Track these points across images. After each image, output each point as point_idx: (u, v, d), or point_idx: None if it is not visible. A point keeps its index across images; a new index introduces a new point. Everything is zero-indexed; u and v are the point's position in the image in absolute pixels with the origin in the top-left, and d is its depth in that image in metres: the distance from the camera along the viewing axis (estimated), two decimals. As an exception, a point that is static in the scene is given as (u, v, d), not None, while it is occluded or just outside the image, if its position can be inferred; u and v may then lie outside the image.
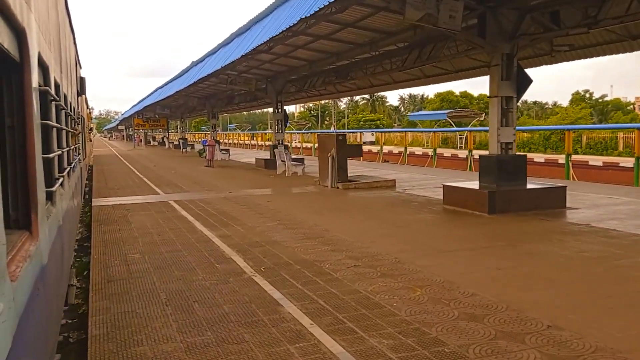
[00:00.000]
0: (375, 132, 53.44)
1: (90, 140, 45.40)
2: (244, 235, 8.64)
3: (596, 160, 27.71)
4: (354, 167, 21.39)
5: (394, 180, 15.61)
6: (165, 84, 35.07)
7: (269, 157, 24.69)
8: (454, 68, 18.27)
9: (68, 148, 6.54)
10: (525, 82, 10.75)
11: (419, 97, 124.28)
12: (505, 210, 10.07)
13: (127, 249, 7.94)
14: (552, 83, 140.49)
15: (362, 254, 7.11)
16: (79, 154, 10.77)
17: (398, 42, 14.40)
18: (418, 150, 42.20)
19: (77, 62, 13.07)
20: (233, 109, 41.32)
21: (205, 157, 25.78)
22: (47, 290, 3.02)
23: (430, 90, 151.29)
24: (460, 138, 40.50)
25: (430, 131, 42.59)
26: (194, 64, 24.19)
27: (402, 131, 48.31)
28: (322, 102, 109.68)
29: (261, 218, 10.42)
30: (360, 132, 55.10)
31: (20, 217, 2.67)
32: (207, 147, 25.40)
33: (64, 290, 5.27)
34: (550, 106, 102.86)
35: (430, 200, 12.35)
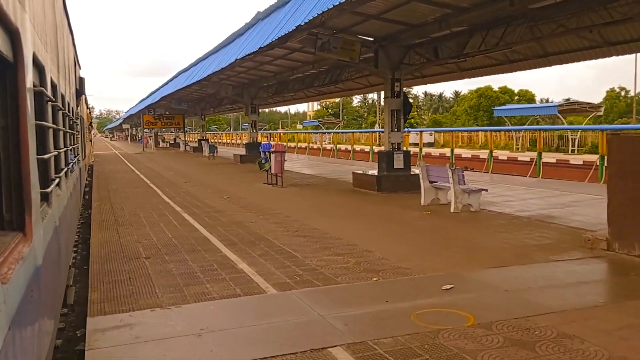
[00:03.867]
0: (434, 131, 44.13)
1: (91, 141, 38.00)
2: None
3: None
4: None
5: None
6: (196, 63, 25.69)
7: (373, 171, 15.38)
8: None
9: (65, 148, 6.29)
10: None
11: (437, 95, 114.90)
12: None
13: None
14: (553, 82, 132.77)
15: None
16: (78, 154, 10.35)
17: None
18: (503, 155, 32.96)
19: (76, 62, 12.34)
20: (282, 100, 31.94)
21: (269, 170, 16.45)
22: (42, 292, 2.92)
23: (448, 89, 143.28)
24: (573, 139, 31.16)
25: (522, 129, 33.28)
26: (259, 17, 14.84)
27: (471, 130, 39.13)
28: (336, 100, 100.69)
29: None
30: (420, 132, 45.73)
31: (14, 218, 2.57)
32: (271, 155, 16.06)
33: (61, 291, 5.06)
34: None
35: None
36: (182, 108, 42.20)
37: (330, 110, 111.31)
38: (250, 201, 13.13)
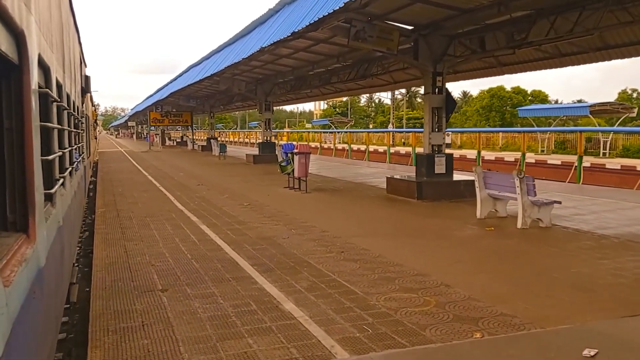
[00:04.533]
0: (452, 132, 42.32)
1: (96, 138, 37.28)
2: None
3: None
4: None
5: None
6: (209, 56, 24.06)
7: (409, 175, 13.73)
8: None
9: (70, 148, 6.25)
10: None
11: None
12: None
13: None
14: (560, 83, 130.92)
15: None
16: (83, 152, 10.42)
17: None
18: (529, 158, 31.18)
19: (82, 61, 12.39)
20: (295, 98, 30.36)
21: (291, 174, 14.84)
22: (44, 293, 2.93)
23: (456, 89, 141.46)
24: (605, 142, 29.37)
25: (552, 131, 31.51)
26: (286, 2, 13.16)
27: (494, 131, 37.39)
28: (344, 99, 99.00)
29: None
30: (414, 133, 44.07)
31: (17, 219, 2.57)
32: (294, 158, 14.43)
33: (64, 291, 5.07)
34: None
35: None
36: (191, 105, 40.68)
37: (337, 110, 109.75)
38: (275, 210, 11.53)
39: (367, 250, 7.59)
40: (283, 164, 15.28)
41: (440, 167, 12.91)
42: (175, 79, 32.49)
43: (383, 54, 12.98)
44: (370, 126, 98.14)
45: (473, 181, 13.09)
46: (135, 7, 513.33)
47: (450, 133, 43.27)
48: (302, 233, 8.93)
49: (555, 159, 28.38)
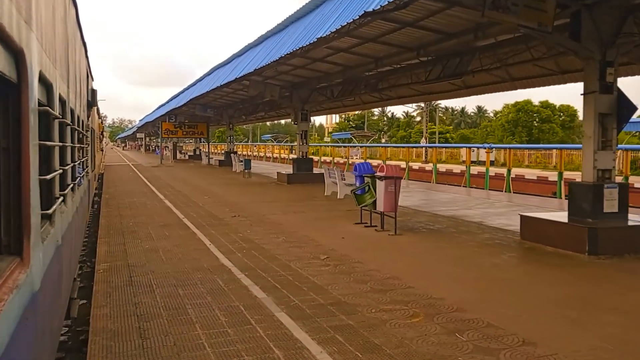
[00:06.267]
0: (495, 147, 38.07)
1: (102, 150, 34.29)
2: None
3: None
4: None
5: None
6: (241, 54, 19.93)
7: (555, 214, 9.37)
8: None
9: (73, 164, 6.01)
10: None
11: (459, 110, 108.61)
12: None
13: None
14: (572, 99, 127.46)
15: None
16: (87, 165, 10.30)
17: None
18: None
19: (89, 75, 12.18)
20: (330, 107, 26.23)
21: (371, 206, 10.52)
22: (38, 317, 2.79)
23: (470, 104, 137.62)
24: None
25: None
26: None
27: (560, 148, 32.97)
28: (357, 112, 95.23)
29: None
30: (470, 148, 40.02)
31: (11, 242, 2.44)
32: (378, 184, 10.14)
33: (62, 310, 4.90)
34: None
35: None
36: (207, 115, 36.62)
37: (352, 123, 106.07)
38: (377, 272, 7.21)
39: None
40: (358, 192, 10.97)
41: (611, 204, 8.59)
42: (194, 84, 28.42)
43: (530, 30, 8.70)
44: (383, 140, 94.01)
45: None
46: (146, 20, 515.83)
47: (494, 149, 39.07)
48: (487, 347, 4.60)
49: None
